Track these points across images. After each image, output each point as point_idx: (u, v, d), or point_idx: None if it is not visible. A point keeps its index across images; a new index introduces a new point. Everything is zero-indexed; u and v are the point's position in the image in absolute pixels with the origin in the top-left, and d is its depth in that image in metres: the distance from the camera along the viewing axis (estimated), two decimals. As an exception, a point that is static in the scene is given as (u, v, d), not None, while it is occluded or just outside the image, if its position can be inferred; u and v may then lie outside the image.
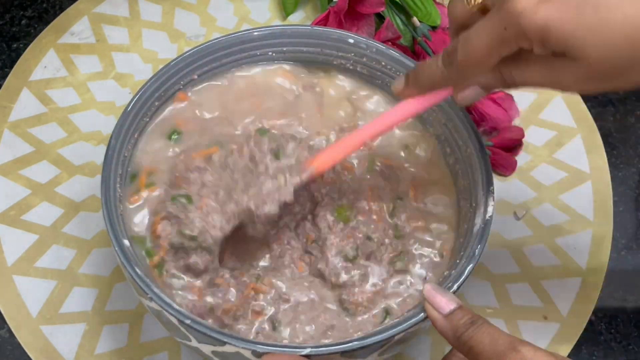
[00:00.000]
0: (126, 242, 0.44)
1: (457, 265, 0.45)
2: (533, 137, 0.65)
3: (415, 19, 0.67)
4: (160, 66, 0.53)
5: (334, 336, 0.45)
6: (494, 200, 0.47)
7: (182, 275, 0.46)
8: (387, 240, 0.49)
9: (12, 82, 0.66)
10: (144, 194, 0.49)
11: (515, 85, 0.39)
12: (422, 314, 0.42)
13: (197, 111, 0.53)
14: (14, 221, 0.58)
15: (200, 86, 0.54)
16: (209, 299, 0.45)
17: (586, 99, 0.68)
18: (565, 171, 0.63)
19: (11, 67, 0.67)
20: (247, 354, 0.41)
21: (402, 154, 0.54)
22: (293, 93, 0.55)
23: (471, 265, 0.44)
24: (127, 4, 0.72)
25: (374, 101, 0.56)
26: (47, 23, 0.70)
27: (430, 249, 0.49)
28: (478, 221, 0.46)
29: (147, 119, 0.51)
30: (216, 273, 0.46)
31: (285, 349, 0.40)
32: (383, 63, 0.54)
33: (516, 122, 0.65)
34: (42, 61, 0.67)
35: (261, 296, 0.46)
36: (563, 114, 0.67)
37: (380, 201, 0.50)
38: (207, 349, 0.43)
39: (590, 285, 0.57)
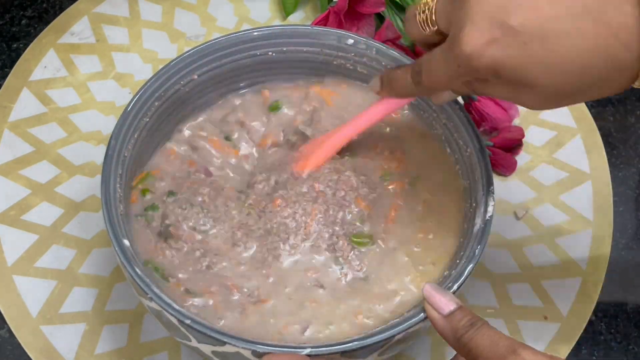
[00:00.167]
0: (126, 242, 0.44)
1: (457, 265, 0.45)
2: (533, 137, 0.65)
3: (415, 19, 0.67)
4: (160, 66, 0.53)
5: None
6: (494, 200, 0.47)
7: None
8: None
9: (12, 82, 0.66)
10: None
11: (483, 95, 0.41)
12: (422, 314, 0.42)
13: None
14: (14, 221, 0.58)
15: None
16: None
17: (586, 99, 0.68)
18: (565, 171, 0.63)
19: (11, 67, 0.67)
20: (247, 353, 0.41)
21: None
22: None
23: (471, 265, 0.44)
24: (127, 4, 0.72)
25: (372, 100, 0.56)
26: (47, 23, 0.70)
27: None
28: (478, 221, 0.46)
29: (147, 119, 0.51)
30: None
31: (285, 349, 0.40)
32: (383, 63, 0.54)
33: (516, 122, 0.65)
34: (42, 61, 0.67)
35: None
36: (563, 114, 0.67)
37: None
38: (207, 349, 0.43)
39: (590, 285, 0.57)
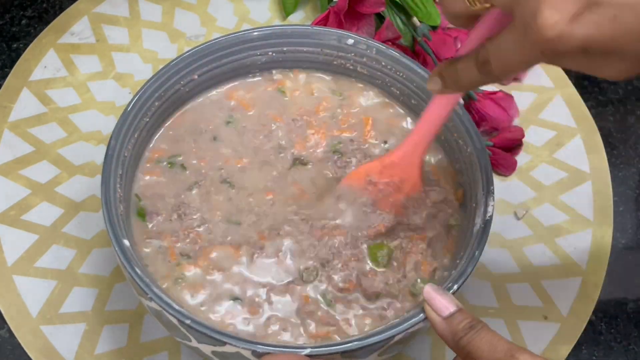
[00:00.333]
0: (126, 242, 0.44)
1: (457, 265, 0.45)
2: (533, 137, 0.65)
3: (415, 19, 0.67)
4: (160, 66, 0.53)
5: None
6: (494, 200, 0.47)
7: None
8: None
9: (12, 82, 0.66)
10: None
11: (559, 66, 0.38)
12: (422, 314, 0.42)
13: None
14: (14, 221, 0.58)
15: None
16: None
17: (586, 99, 0.68)
18: (565, 171, 0.63)
19: (11, 67, 0.67)
20: (247, 354, 0.41)
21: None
22: None
23: (471, 265, 0.44)
24: (127, 4, 0.72)
25: (372, 100, 0.56)
26: (47, 23, 0.70)
27: None
28: (478, 221, 0.46)
29: (147, 119, 0.51)
30: None
31: (285, 349, 0.40)
32: (383, 63, 0.54)
33: (516, 122, 0.65)
34: (42, 61, 0.67)
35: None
36: (563, 114, 0.67)
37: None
38: (207, 349, 0.43)
39: (590, 285, 0.57)
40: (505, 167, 0.62)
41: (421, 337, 0.54)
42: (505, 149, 0.62)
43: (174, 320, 0.42)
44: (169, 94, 0.52)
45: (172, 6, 0.72)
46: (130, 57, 0.68)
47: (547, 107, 0.67)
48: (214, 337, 0.40)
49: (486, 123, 0.63)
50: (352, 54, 0.55)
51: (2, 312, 0.54)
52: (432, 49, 0.65)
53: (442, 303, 0.41)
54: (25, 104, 0.65)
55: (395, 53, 0.54)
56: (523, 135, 0.63)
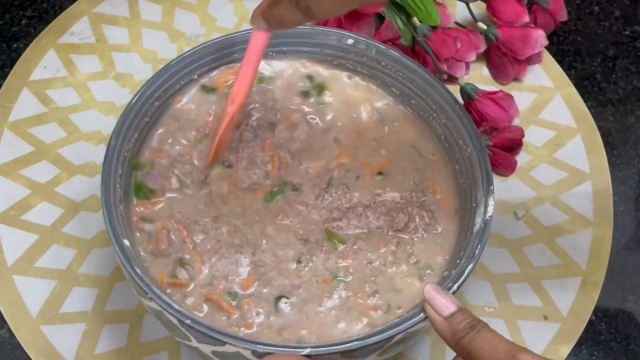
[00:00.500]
0: (126, 242, 0.44)
1: (457, 265, 0.45)
2: (533, 137, 0.65)
3: (415, 19, 0.67)
4: (160, 66, 0.53)
5: None
6: (494, 200, 0.47)
7: None
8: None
9: (12, 82, 0.66)
10: None
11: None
12: (422, 314, 0.42)
13: None
14: (14, 221, 0.58)
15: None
16: None
17: (586, 99, 0.68)
18: (565, 171, 0.63)
19: (11, 67, 0.67)
20: (247, 354, 0.41)
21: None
22: None
23: (471, 265, 0.44)
24: (127, 4, 0.72)
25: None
26: (47, 23, 0.70)
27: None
28: (478, 221, 0.46)
29: (147, 119, 0.51)
30: None
31: (285, 349, 0.40)
32: (383, 63, 0.54)
33: (516, 122, 0.65)
34: (42, 61, 0.67)
35: None
36: (563, 114, 0.67)
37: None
38: (207, 349, 0.43)
39: (590, 285, 0.57)
40: (505, 167, 0.62)
41: (421, 337, 0.54)
42: (505, 149, 0.62)
43: (174, 320, 0.42)
44: (168, 94, 0.52)
45: (172, 6, 0.72)
46: (130, 57, 0.68)
47: (547, 107, 0.67)
48: (214, 337, 0.40)
49: (486, 123, 0.63)
50: (352, 54, 0.55)
51: (2, 312, 0.54)
52: (432, 49, 0.65)
53: (443, 303, 0.41)
54: (25, 104, 0.65)
55: (395, 53, 0.54)
56: (523, 135, 0.63)
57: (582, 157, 0.64)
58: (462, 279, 0.43)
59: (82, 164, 0.62)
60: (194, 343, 0.43)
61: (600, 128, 0.66)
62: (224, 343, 0.40)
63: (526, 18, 0.69)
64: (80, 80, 0.67)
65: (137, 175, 0.50)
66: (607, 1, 0.76)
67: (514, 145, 0.63)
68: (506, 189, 0.62)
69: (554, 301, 0.56)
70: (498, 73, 0.68)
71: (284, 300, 0.46)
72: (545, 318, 0.56)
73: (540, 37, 0.66)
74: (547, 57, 0.70)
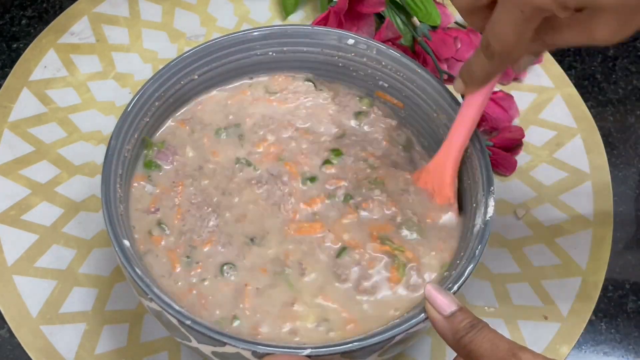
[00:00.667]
0: (126, 242, 0.44)
1: (457, 265, 0.45)
2: (533, 137, 0.65)
3: (415, 19, 0.67)
4: (160, 66, 0.53)
5: None
6: (494, 200, 0.47)
7: None
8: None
9: (12, 82, 0.66)
10: None
11: (558, 46, 0.40)
12: (423, 314, 0.42)
13: None
14: (14, 221, 0.58)
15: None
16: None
17: (586, 99, 0.68)
18: (565, 171, 0.63)
19: (11, 67, 0.67)
20: (247, 354, 0.41)
21: (402, 153, 0.54)
22: None
23: (471, 265, 0.44)
24: (127, 4, 0.72)
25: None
26: (47, 23, 0.70)
27: None
28: (478, 221, 0.46)
29: (147, 119, 0.51)
30: None
31: (285, 349, 0.40)
32: (383, 63, 0.54)
33: (516, 122, 0.65)
34: (42, 61, 0.67)
35: None
36: (563, 114, 0.67)
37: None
38: (207, 349, 0.43)
39: (590, 285, 0.57)
40: (505, 167, 0.62)
41: (421, 337, 0.54)
42: (505, 149, 0.62)
43: (174, 321, 0.42)
44: (169, 94, 0.52)
45: (172, 6, 0.72)
46: (130, 57, 0.68)
47: (547, 107, 0.67)
48: (214, 337, 0.40)
49: (486, 123, 0.63)
50: (352, 54, 0.55)
51: (2, 312, 0.54)
52: (432, 49, 0.65)
53: (444, 302, 0.41)
54: (25, 104, 0.65)
55: (395, 53, 0.54)
56: (523, 135, 0.63)
57: (582, 157, 0.64)
58: (462, 279, 0.43)
59: (82, 164, 0.62)
60: (194, 343, 0.43)
61: (600, 128, 0.66)
62: (224, 344, 0.40)
63: (526, 18, 0.69)
64: (80, 80, 0.67)
65: (148, 154, 0.51)
66: (607, 1, 0.76)
67: (514, 145, 0.63)
68: (506, 189, 0.62)
69: (554, 301, 0.56)
70: (498, 73, 0.68)
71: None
72: (545, 318, 0.56)
73: (540, 37, 0.66)
74: (547, 57, 0.70)
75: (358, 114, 0.55)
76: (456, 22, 0.70)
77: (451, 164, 0.49)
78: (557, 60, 0.70)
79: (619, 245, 0.60)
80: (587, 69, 0.71)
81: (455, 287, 0.43)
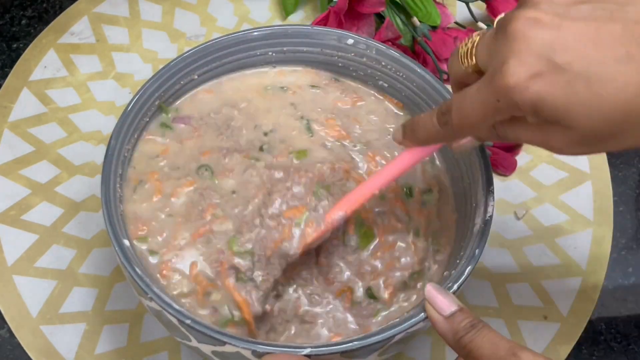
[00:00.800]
0: (126, 242, 0.44)
1: (457, 265, 0.45)
2: (533, 137, 0.65)
3: (415, 19, 0.67)
4: (160, 66, 0.53)
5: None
6: (494, 200, 0.47)
7: None
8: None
9: (12, 82, 0.66)
10: None
11: (507, 140, 0.40)
12: (423, 314, 0.42)
13: None
14: (14, 221, 0.58)
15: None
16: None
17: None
18: (565, 171, 0.63)
19: (11, 67, 0.67)
20: (247, 354, 0.41)
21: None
22: None
23: (471, 265, 0.44)
24: (127, 4, 0.72)
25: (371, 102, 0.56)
26: (47, 23, 0.70)
27: None
28: (478, 221, 0.46)
29: (147, 119, 0.51)
30: None
31: (285, 349, 0.40)
32: (383, 63, 0.54)
33: (516, 122, 0.65)
34: (42, 61, 0.67)
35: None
36: (563, 114, 0.67)
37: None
38: (207, 348, 0.43)
39: (590, 285, 0.57)
40: (505, 167, 0.62)
41: (421, 337, 0.54)
42: (505, 149, 0.62)
43: (174, 320, 0.42)
44: (169, 94, 0.52)
45: (172, 6, 0.72)
46: (130, 57, 0.68)
47: (547, 107, 0.67)
48: (214, 336, 0.40)
49: (486, 123, 0.63)
50: (352, 54, 0.55)
51: (2, 312, 0.54)
52: (432, 49, 0.65)
53: (444, 302, 0.41)
54: (25, 104, 0.65)
55: (395, 53, 0.54)
56: (523, 135, 0.63)
57: (582, 157, 0.64)
58: (462, 279, 0.43)
59: (82, 164, 0.62)
60: (194, 343, 0.43)
61: (600, 128, 0.66)
62: (224, 343, 0.40)
63: (526, 18, 0.69)
64: (80, 80, 0.67)
65: (164, 117, 0.52)
66: (607, 1, 0.76)
67: (514, 145, 0.63)
68: (506, 189, 0.62)
69: (554, 301, 0.56)
70: (498, 73, 0.68)
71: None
72: (545, 318, 0.56)
73: (540, 37, 0.66)
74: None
75: None
76: (456, 22, 0.70)
77: (353, 200, 0.47)
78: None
79: (619, 245, 0.60)
80: (587, 69, 0.71)
81: (455, 287, 0.43)
